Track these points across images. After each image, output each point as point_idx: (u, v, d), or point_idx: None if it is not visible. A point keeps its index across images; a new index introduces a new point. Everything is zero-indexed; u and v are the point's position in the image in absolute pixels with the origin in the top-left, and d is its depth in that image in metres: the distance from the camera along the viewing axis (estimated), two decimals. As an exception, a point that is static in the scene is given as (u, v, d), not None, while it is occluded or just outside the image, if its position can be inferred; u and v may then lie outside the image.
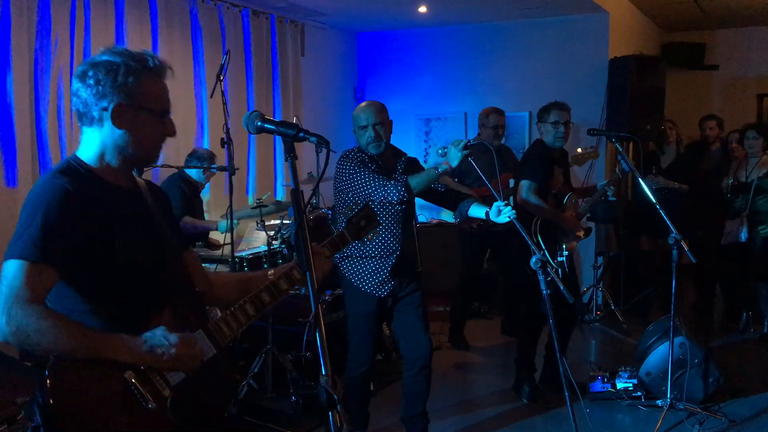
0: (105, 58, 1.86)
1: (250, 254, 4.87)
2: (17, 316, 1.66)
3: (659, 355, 4.34)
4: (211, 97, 4.66)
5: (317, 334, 1.64)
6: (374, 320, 3.63)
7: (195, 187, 5.24)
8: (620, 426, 4.23)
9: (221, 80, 4.41)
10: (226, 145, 4.39)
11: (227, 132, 4.42)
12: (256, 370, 4.28)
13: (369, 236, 2.37)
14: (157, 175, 5.40)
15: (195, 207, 5.20)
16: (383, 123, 3.53)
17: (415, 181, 3.38)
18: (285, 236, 4.76)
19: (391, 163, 3.63)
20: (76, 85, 1.86)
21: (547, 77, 6.93)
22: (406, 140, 7.58)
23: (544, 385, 4.62)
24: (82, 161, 1.90)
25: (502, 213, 3.21)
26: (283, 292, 2.06)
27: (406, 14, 6.91)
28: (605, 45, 6.76)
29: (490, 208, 3.31)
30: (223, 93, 4.45)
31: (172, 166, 5.11)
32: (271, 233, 4.84)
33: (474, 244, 5.65)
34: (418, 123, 7.68)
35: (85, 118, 1.89)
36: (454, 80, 7.49)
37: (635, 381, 4.44)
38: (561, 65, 6.92)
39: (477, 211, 3.49)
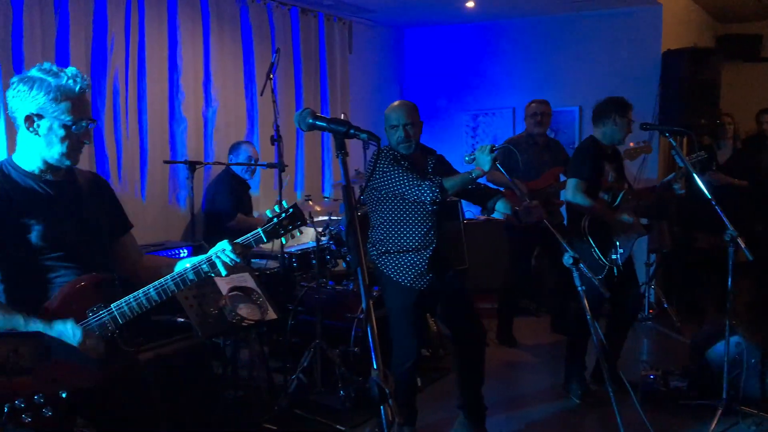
0: (28, 74, 2.17)
1: (299, 250, 4.92)
2: None
3: (714, 354, 4.24)
4: (261, 95, 4.73)
5: (368, 329, 1.65)
6: (415, 313, 3.66)
7: (243, 184, 5.33)
8: (673, 426, 4.14)
9: (271, 78, 4.47)
10: (275, 143, 4.45)
11: (277, 129, 4.48)
12: (305, 364, 4.33)
13: (290, 236, 2.30)
14: (208, 172, 5.51)
15: (244, 203, 5.29)
16: (414, 123, 3.57)
17: (450, 183, 3.42)
18: (333, 232, 4.80)
19: (421, 162, 3.67)
20: (7, 93, 2.18)
21: (598, 71, 6.82)
22: (454, 136, 7.56)
23: (594, 382, 4.56)
24: (13, 162, 2.23)
25: (532, 213, 3.31)
26: (189, 282, 2.23)
27: (453, 9, 6.88)
28: (658, 38, 6.61)
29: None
30: (272, 91, 4.51)
31: (221, 164, 5.22)
32: (320, 229, 4.89)
33: (522, 240, 5.60)
34: (465, 119, 7.65)
35: (15, 123, 2.19)
36: (502, 75, 7.42)
37: (689, 380, 4.35)
38: (612, 59, 6.80)
39: (504, 206, 3.54)
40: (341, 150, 1.88)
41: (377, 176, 3.52)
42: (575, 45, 7.03)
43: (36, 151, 2.19)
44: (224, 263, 2.20)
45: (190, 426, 3.41)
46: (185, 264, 2.27)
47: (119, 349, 2.21)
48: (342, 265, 5.16)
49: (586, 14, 6.91)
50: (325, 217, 5.10)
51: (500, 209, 3.57)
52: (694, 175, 3.94)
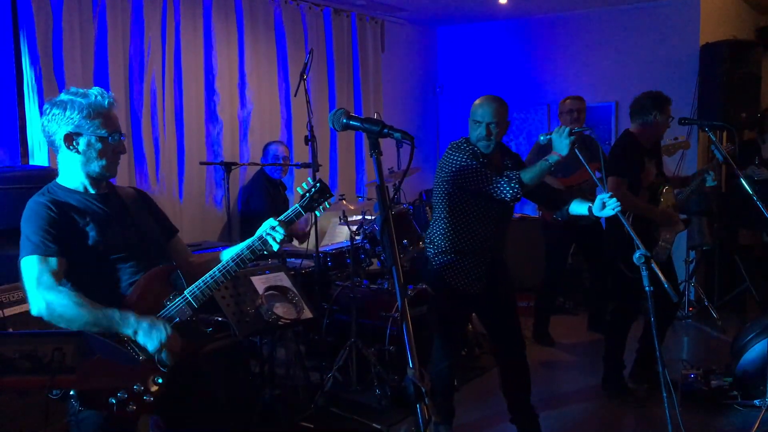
0: (58, 99, 2.33)
1: (334, 249, 4.94)
2: (48, 296, 2.18)
3: (756, 352, 4.15)
4: (295, 95, 4.76)
5: (404, 327, 1.65)
6: (462, 317, 3.62)
7: (277, 185, 5.37)
8: (715, 426, 4.07)
9: (304, 79, 4.50)
10: (309, 143, 4.47)
11: (311, 129, 4.51)
12: (340, 363, 4.35)
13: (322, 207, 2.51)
14: (243, 173, 5.57)
15: (278, 203, 5.34)
16: (499, 123, 3.38)
17: (528, 175, 3.24)
18: (367, 231, 4.82)
19: (498, 162, 3.53)
20: (42, 120, 2.35)
21: (635, 66, 6.72)
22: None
23: (633, 382, 4.50)
24: (58, 184, 2.38)
25: (607, 206, 3.08)
26: (248, 262, 2.45)
27: (486, 6, 6.85)
28: (696, 31, 6.49)
29: (592, 203, 3.19)
30: (306, 91, 4.54)
31: (256, 164, 5.27)
32: (354, 228, 4.91)
33: (558, 238, 5.55)
34: (499, 116, 7.59)
35: (53, 146, 2.36)
36: (536, 72, 7.36)
37: (731, 380, 4.27)
38: (649, 53, 6.69)
39: (579, 208, 3.34)
40: (375, 149, 1.88)
41: (451, 169, 3.38)
42: (611, 40, 6.93)
43: (78, 169, 2.34)
44: (274, 238, 2.41)
45: (228, 424, 3.45)
46: (233, 249, 2.47)
47: (198, 332, 2.41)
48: (376, 264, 5.17)
49: (622, 9, 6.81)
50: (359, 217, 5.12)
51: (576, 211, 3.36)
52: (736, 170, 3.85)
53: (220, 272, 2.40)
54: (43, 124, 2.34)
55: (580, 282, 6.50)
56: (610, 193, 3.11)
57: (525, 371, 3.65)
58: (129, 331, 2.23)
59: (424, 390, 1.55)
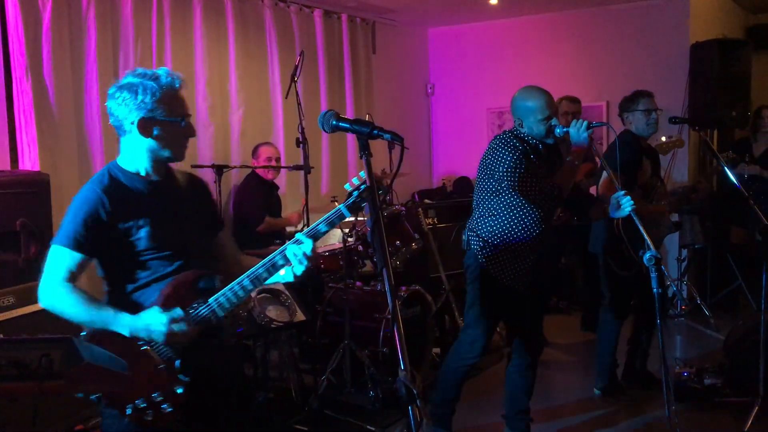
0: (125, 81, 2.21)
1: (326, 251, 4.93)
2: (53, 290, 2.15)
3: (749, 351, 4.16)
4: (286, 97, 4.75)
5: (395, 330, 1.65)
6: (500, 314, 3.57)
7: (270, 185, 5.35)
8: (708, 424, 4.08)
9: (296, 81, 4.48)
10: (301, 145, 4.46)
11: (302, 131, 4.50)
12: (334, 365, 4.34)
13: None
14: (236, 176, 5.55)
15: (272, 205, 5.32)
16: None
17: (562, 179, 3.28)
18: (360, 233, 4.81)
19: (545, 155, 3.48)
20: (109, 104, 2.23)
21: (625, 66, 6.74)
22: (479, 134, 7.53)
23: (625, 381, 4.51)
24: (119, 166, 2.28)
25: (623, 206, 3.09)
26: (279, 267, 2.24)
27: (477, 7, 6.86)
28: (686, 30, 6.51)
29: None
30: (297, 93, 4.53)
31: (248, 167, 5.25)
32: (346, 230, 4.90)
33: (552, 237, 5.55)
34: (490, 116, 7.61)
35: (120, 130, 2.25)
36: (527, 72, 7.35)
37: (724, 377, 4.27)
38: (639, 53, 6.71)
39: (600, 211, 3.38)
40: (365, 151, 1.87)
41: (501, 167, 3.31)
42: (601, 39, 6.95)
43: (143, 153, 2.24)
44: (301, 252, 2.18)
45: (221, 427, 3.43)
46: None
47: (222, 343, 2.30)
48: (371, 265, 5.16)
49: (611, 9, 6.83)
50: (351, 218, 5.11)
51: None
52: (726, 169, 3.87)
53: (249, 279, 2.21)
54: (110, 108, 2.21)
55: (574, 282, 6.51)
56: (623, 192, 3.10)
57: (535, 372, 3.65)
58: (124, 330, 2.14)
59: (415, 392, 1.54)
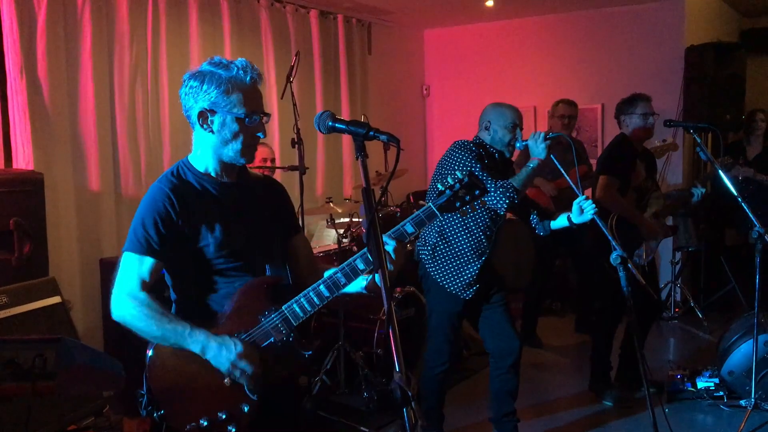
0: (199, 69, 2.09)
1: (321, 252, 4.93)
2: (123, 302, 2.02)
3: (742, 353, 4.18)
4: (281, 98, 4.74)
5: (390, 331, 1.64)
6: (458, 320, 3.61)
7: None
8: (701, 427, 4.09)
9: (291, 81, 4.48)
10: (297, 145, 4.46)
11: (297, 132, 4.49)
12: (328, 366, 4.34)
13: (468, 211, 2.09)
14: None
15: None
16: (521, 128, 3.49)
17: (518, 182, 3.31)
18: (354, 234, 4.81)
19: (502, 169, 3.56)
20: (180, 92, 2.11)
21: (621, 68, 6.75)
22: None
23: (619, 383, 4.52)
24: (189, 164, 2.15)
25: (585, 211, 3.13)
26: (359, 272, 2.09)
27: (473, 9, 6.86)
28: (681, 33, 6.53)
29: (570, 211, 3.23)
30: (292, 94, 4.52)
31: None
32: (341, 231, 4.89)
33: (546, 240, 5.55)
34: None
35: (190, 122, 2.12)
36: (523, 74, 7.38)
37: (717, 380, 4.30)
38: (634, 56, 6.73)
39: (560, 221, 3.40)
40: (361, 152, 1.86)
41: (452, 168, 3.40)
42: (597, 42, 6.97)
43: (211, 150, 2.10)
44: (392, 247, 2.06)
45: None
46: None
47: (294, 352, 2.12)
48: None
49: (607, 11, 6.85)
50: (346, 219, 5.11)
51: (558, 225, 3.43)
52: (721, 172, 3.88)
53: (325, 284, 2.08)
54: (181, 97, 2.09)
55: (568, 284, 6.52)
56: (584, 197, 3.16)
57: (517, 373, 3.64)
58: (197, 349, 2.00)
59: (410, 394, 1.54)
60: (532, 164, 3.31)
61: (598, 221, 3.05)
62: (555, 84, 7.06)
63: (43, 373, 1.90)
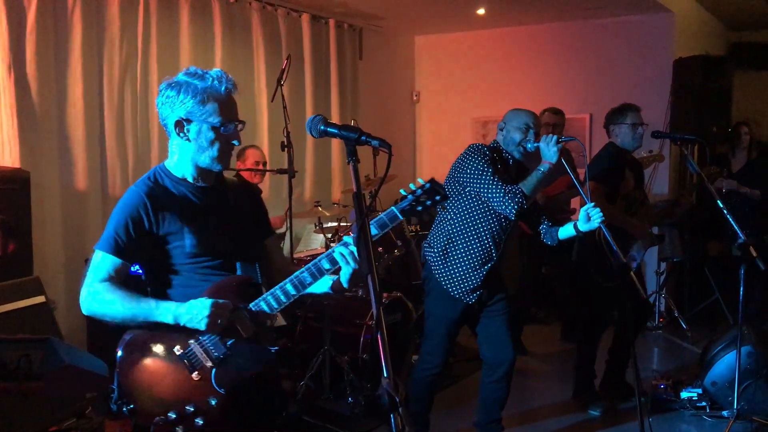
0: (175, 79, 2.16)
1: (309, 257, 4.92)
2: (89, 294, 2.12)
3: (725, 364, 4.20)
4: (272, 101, 4.74)
5: (378, 336, 1.64)
6: (456, 325, 3.58)
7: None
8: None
9: (282, 85, 4.47)
10: (286, 148, 4.45)
11: (287, 135, 4.49)
12: (313, 371, 4.33)
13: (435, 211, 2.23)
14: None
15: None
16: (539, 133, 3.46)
17: (528, 187, 3.29)
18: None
19: (513, 173, 3.52)
20: (157, 101, 2.18)
21: (609, 79, 6.81)
22: (463, 142, 7.53)
23: (603, 391, 4.54)
24: (166, 169, 2.24)
25: (592, 218, 3.13)
26: (324, 272, 2.17)
27: (464, 17, 6.89)
28: (669, 46, 6.59)
29: (576, 220, 3.23)
30: (282, 97, 4.52)
31: (231, 170, 5.21)
32: (329, 236, 4.89)
33: (532, 247, 5.58)
34: (475, 125, 7.64)
35: (166, 130, 2.20)
36: (512, 83, 7.42)
37: (700, 391, 4.32)
38: (623, 67, 6.78)
39: (567, 230, 3.39)
40: (352, 157, 1.87)
41: (465, 172, 3.37)
42: (586, 52, 7.01)
43: (188, 157, 2.18)
44: (344, 257, 2.13)
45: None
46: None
47: (261, 348, 2.18)
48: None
49: (597, 22, 6.90)
50: (334, 223, 5.11)
51: (566, 234, 3.40)
52: (707, 184, 3.92)
53: (292, 283, 2.16)
54: (157, 106, 2.17)
55: (554, 291, 6.54)
56: (592, 204, 3.14)
57: (508, 383, 3.64)
58: (168, 318, 2.07)
59: (398, 400, 1.54)
60: (542, 168, 3.28)
61: (603, 229, 3.04)
62: (544, 93, 7.09)
63: (28, 373, 1.89)
